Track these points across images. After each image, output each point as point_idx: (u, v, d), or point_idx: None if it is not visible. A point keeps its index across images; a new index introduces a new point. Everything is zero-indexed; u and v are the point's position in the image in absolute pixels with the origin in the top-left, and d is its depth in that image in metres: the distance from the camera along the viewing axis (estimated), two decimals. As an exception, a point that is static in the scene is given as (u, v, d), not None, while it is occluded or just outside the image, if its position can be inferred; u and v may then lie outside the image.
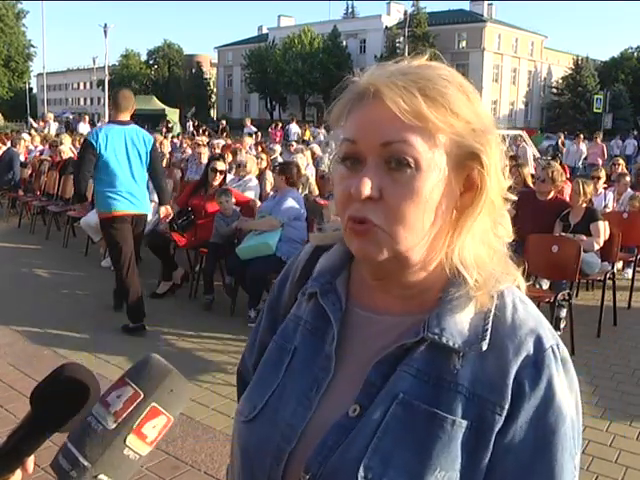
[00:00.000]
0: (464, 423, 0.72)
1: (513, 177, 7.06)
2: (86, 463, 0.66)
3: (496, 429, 0.72)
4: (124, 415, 0.67)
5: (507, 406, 0.72)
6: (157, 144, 6.18)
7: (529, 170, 7.63)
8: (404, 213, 0.72)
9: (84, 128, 18.90)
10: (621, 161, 10.33)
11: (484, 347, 0.74)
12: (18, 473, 0.74)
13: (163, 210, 5.27)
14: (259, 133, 18.78)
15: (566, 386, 0.75)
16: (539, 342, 0.75)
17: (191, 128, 27.58)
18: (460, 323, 0.76)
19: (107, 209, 4.82)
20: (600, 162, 15.13)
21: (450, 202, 0.75)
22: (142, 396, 0.67)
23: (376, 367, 0.77)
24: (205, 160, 9.12)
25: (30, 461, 0.74)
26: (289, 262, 0.98)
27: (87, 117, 21.48)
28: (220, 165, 6.15)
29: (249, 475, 0.82)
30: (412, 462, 0.71)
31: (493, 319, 0.76)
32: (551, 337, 0.76)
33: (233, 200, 5.75)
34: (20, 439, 0.71)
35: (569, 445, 0.74)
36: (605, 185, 7.71)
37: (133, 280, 4.88)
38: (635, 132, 25.73)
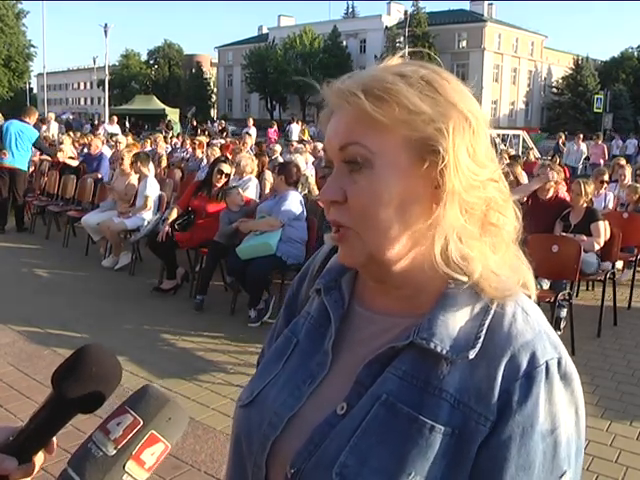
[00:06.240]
0: (445, 430, 0.71)
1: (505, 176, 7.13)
2: None
3: (480, 440, 0.70)
4: (124, 442, 0.68)
5: (493, 418, 0.70)
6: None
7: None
8: (367, 212, 0.74)
9: (114, 129, 18.98)
10: (623, 161, 10.31)
11: (471, 356, 0.72)
12: (40, 455, 0.74)
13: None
14: (253, 135, 18.66)
15: (565, 402, 0.72)
16: (533, 356, 0.72)
17: (174, 128, 26.31)
18: (453, 328, 0.74)
19: None
20: (602, 162, 15.14)
21: (420, 198, 0.74)
22: (141, 423, 0.68)
23: (367, 367, 0.77)
24: (204, 160, 9.12)
25: (53, 443, 0.74)
26: (309, 260, 0.99)
27: (115, 118, 21.60)
28: (226, 168, 6.15)
29: (238, 459, 0.85)
30: (388, 464, 0.71)
31: (489, 327, 0.74)
32: (550, 351, 0.73)
33: (242, 196, 5.78)
34: (43, 421, 0.72)
35: (556, 465, 0.71)
36: (606, 185, 7.68)
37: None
38: (616, 132, 25.65)
